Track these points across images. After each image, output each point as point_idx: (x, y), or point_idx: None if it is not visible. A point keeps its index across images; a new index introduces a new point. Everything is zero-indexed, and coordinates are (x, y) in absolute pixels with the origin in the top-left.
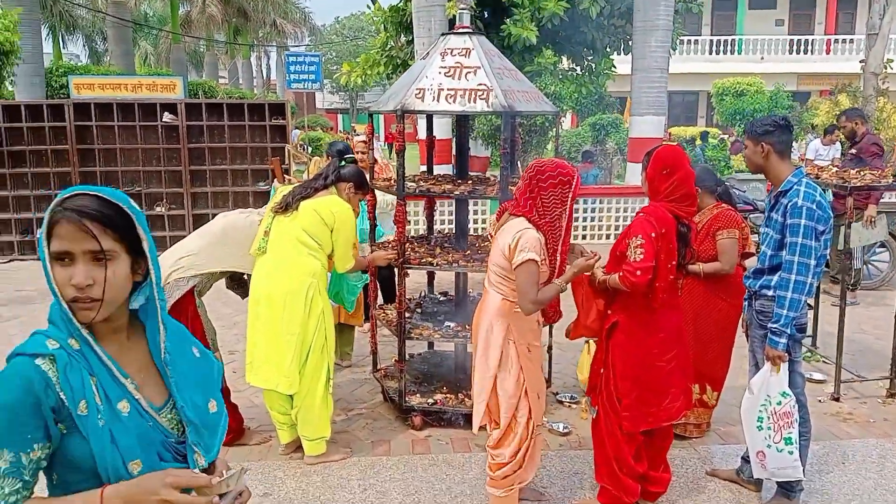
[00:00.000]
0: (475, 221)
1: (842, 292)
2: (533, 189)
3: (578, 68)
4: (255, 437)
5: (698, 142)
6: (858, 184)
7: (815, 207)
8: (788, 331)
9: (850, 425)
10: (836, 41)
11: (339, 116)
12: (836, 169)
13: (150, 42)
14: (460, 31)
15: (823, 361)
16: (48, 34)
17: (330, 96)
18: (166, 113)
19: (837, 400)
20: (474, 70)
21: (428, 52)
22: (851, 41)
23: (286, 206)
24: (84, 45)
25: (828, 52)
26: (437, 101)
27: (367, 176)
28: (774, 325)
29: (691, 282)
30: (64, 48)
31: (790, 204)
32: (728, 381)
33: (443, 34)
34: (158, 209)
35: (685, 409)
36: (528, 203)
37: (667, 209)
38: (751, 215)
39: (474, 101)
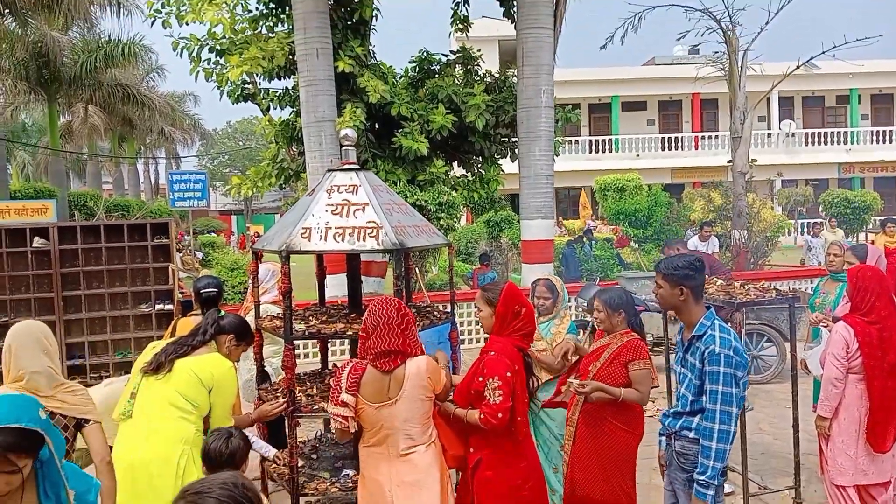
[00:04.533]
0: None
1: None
2: (404, 331)
3: (469, 174)
4: None
5: (585, 239)
6: (744, 299)
7: (732, 354)
8: (716, 482)
9: None
10: (703, 137)
11: (234, 218)
12: (721, 282)
13: (28, 152)
14: (346, 167)
15: (730, 469)
16: None
17: (223, 198)
18: (37, 238)
19: None
20: (362, 207)
21: (314, 189)
22: (716, 137)
23: (158, 366)
24: None
25: (696, 147)
26: (325, 240)
27: (254, 314)
28: (701, 478)
29: (592, 410)
30: None
31: (707, 351)
32: None
33: (329, 170)
34: None
35: None
36: (406, 346)
37: (512, 343)
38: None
39: (364, 240)
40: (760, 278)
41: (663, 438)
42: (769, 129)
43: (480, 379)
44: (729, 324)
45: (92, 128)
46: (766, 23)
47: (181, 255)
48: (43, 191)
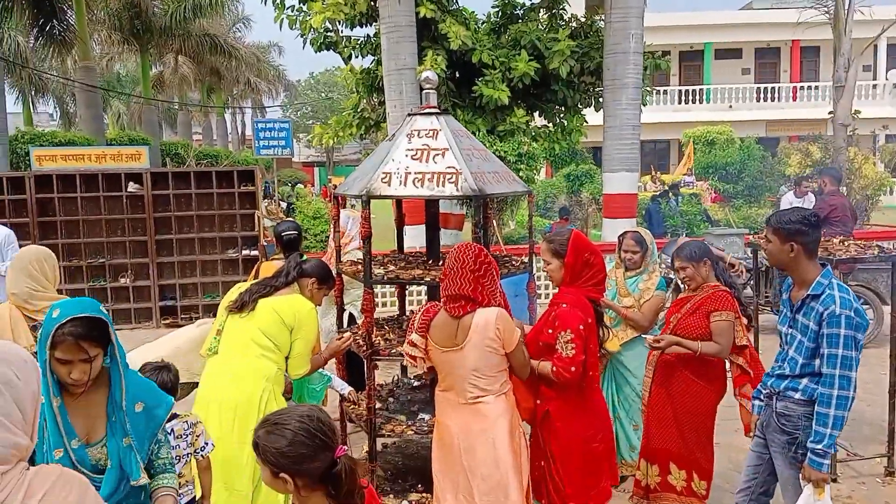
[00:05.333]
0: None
1: None
2: (478, 279)
3: (551, 125)
4: None
5: (671, 194)
6: (843, 256)
7: (853, 315)
8: (832, 450)
9: None
10: (802, 88)
11: (316, 169)
12: None
13: (122, 102)
14: (427, 111)
15: None
16: (17, 97)
17: (306, 150)
18: (131, 183)
19: (835, 481)
20: (442, 152)
21: (394, 134)
22: (816, 87)
23: (242, 305)
24: (55, 107)
25: (794, 98)
26: (405, 185)
27: (335, 259)
28: (818, 447)
29: (668, 364)
30: (34, 110)
31: (826, 312)
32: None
33: (409, 114)
34: (123, 280)
35: (613, 484)
36: (480, 292)
37: (584, 294)
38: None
39: (443, 185)
40: (865, 238)
41: (756, 402)
42: (875, 79)
43: (550, 331)
44: None
45: (182, 78)
46: None
47: (266, 203)
48: (137, 139)
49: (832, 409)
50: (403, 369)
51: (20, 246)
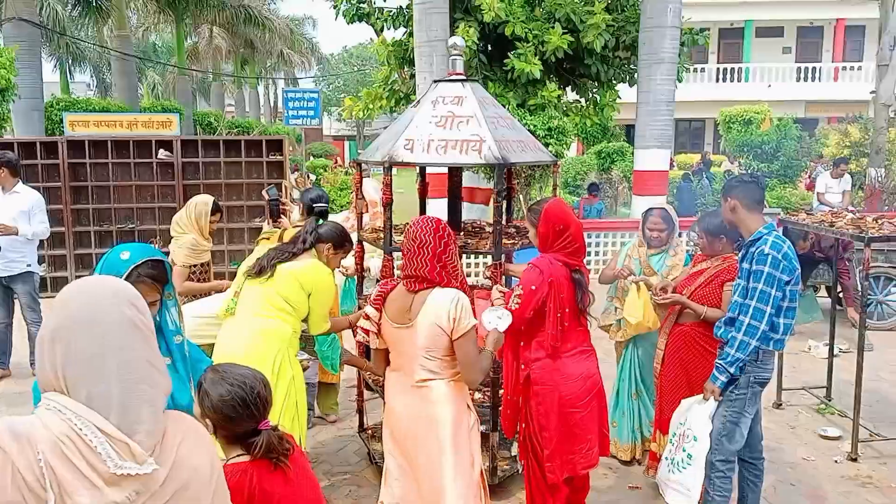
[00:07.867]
0: (469, 267)
1: (859, 345)
2: (438, 257)
3: (583, 100)
4: None
5: (698, 171)
6: (876, 234)
7: (780, 257)
8: (732, 370)
9: (870, 491)
10: (844, 68)
11: (346, 143)
12: (851, 216)
13: (157, 72)
14: (453, 77)
15: (839, 415)
16: (55, 66)
17: (337, 124)
18: (161, 150)
19: (855, 460)
20: (467, 119)
21: (419, 100)
22: (860, 68)
23: (260, 270)
24: (92, 76)
25: (836, 79)
26: (427, 152)
27: (356, 225)
28: (719, 361)
29: (682, 333)
30: (71, 79)
31: (757, 251)
32: None
33: (434, 81)
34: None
35: (600, 456)
36: (438, 273)
37: (556, 259)
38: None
39: (466, 153)
40: None
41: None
42: None
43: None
44: (858, 265)
45: (216, 49)
46: None
47: (296, 175)
48: (170, 109)
49: (740, 334)
50: None
51: (48, 211)
